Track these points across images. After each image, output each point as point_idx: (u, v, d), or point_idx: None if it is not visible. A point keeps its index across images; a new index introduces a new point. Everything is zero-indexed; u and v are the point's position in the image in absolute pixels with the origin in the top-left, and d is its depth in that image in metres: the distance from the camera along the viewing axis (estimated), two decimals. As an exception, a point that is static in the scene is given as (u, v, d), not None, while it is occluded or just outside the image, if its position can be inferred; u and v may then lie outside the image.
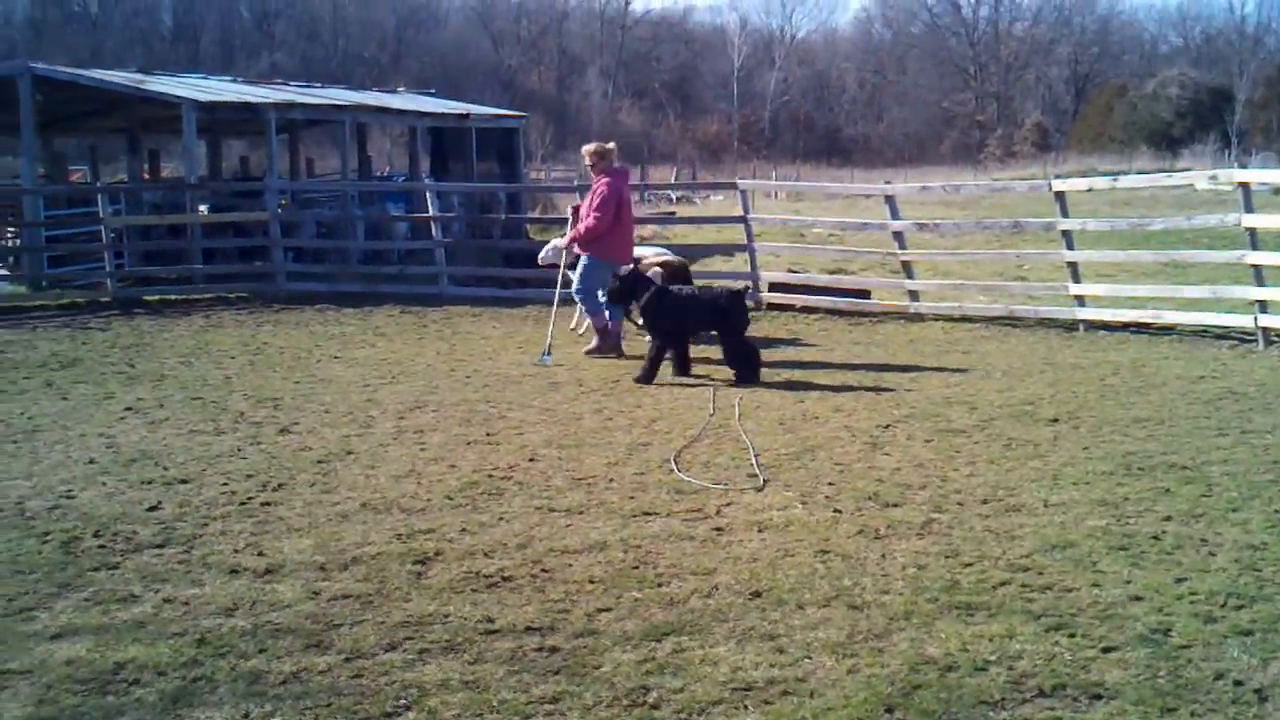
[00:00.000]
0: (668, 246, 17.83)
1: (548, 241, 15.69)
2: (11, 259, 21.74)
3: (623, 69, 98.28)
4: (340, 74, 67.85)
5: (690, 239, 25.47)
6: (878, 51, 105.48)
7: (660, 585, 6.00)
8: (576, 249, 13.28)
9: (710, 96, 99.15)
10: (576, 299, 13.38)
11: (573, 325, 14.68)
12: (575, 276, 13.27)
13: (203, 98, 21.49)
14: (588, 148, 13.27)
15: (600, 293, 12.76)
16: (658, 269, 13.61)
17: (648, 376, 11.44)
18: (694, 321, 11.83)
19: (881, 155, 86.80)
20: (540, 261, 15.06)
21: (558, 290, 14.00)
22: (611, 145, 13.34)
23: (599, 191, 12.83)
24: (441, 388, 11.43)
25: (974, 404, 10.27)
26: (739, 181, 19.81)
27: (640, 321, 12.21)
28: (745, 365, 11.51)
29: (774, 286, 16.98)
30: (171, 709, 4.73)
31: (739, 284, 12.59)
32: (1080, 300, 14.64)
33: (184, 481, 8.06)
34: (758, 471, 8.13)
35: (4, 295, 18.51)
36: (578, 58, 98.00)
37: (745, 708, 4.71)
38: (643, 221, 29.74)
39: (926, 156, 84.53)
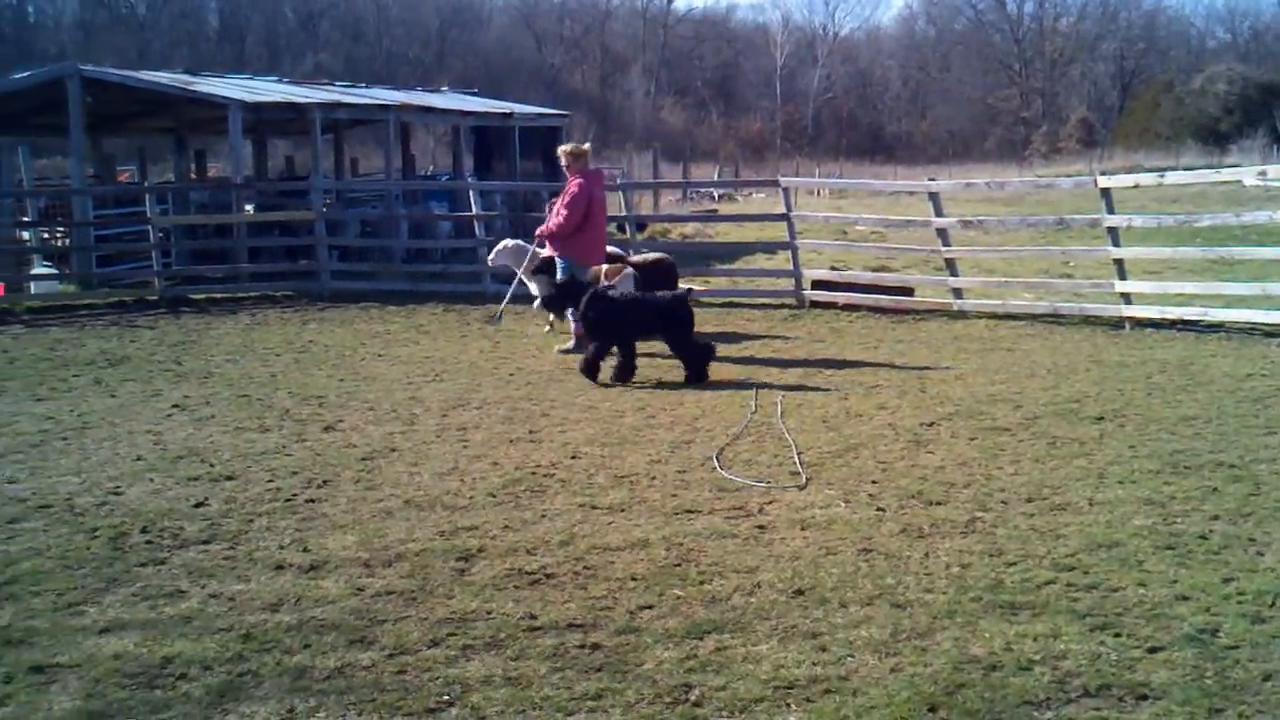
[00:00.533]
0: (692, 244, 17.81)
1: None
2: (61, 258, 21.97)
3: (665, 67, 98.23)
4: (384, 74, 68.19)
5: (732, 236, 25.47)
6: (921, 48, 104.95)
7: (702, 583, 6.01)
8: (547, 247, 13.33)
9: (753, 94, 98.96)
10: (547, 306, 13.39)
11: (547, 328, 14.79)
12: (541, 283, 13.55)
13: (248, 98, 21.64)
14: (563, 148, 13.27)
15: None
16: (630, 271, 13.88)
17: (590, 374, 11.52)
18: (636, 326, 11.75)
19: (925, 152, 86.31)
20: (490, 263, 15.21)
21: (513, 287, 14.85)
22: (586, 147, 13.43)
23: (570, 191, 12.87)
24: (484, 385, 11.47)
25: (1018, 402, 10.21)
26: (781, 179, 19.76)
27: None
28: (695, 365, 11.57)
29: (817, 284, 16.93)
30: (218, 703, 4.78)
31: (684, 288, 12.63)
32: (1126, 298, 14.52)
33: (230, 478, 8.13)
34: (800, 469, 8.12)
35: (54, 294, 18.71)
36: (620, 56, 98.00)
37: (788, 706, 4.70)
38: (685, 219, 29.80)
39: (970, 153, 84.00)
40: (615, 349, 11.69)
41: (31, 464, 8.58)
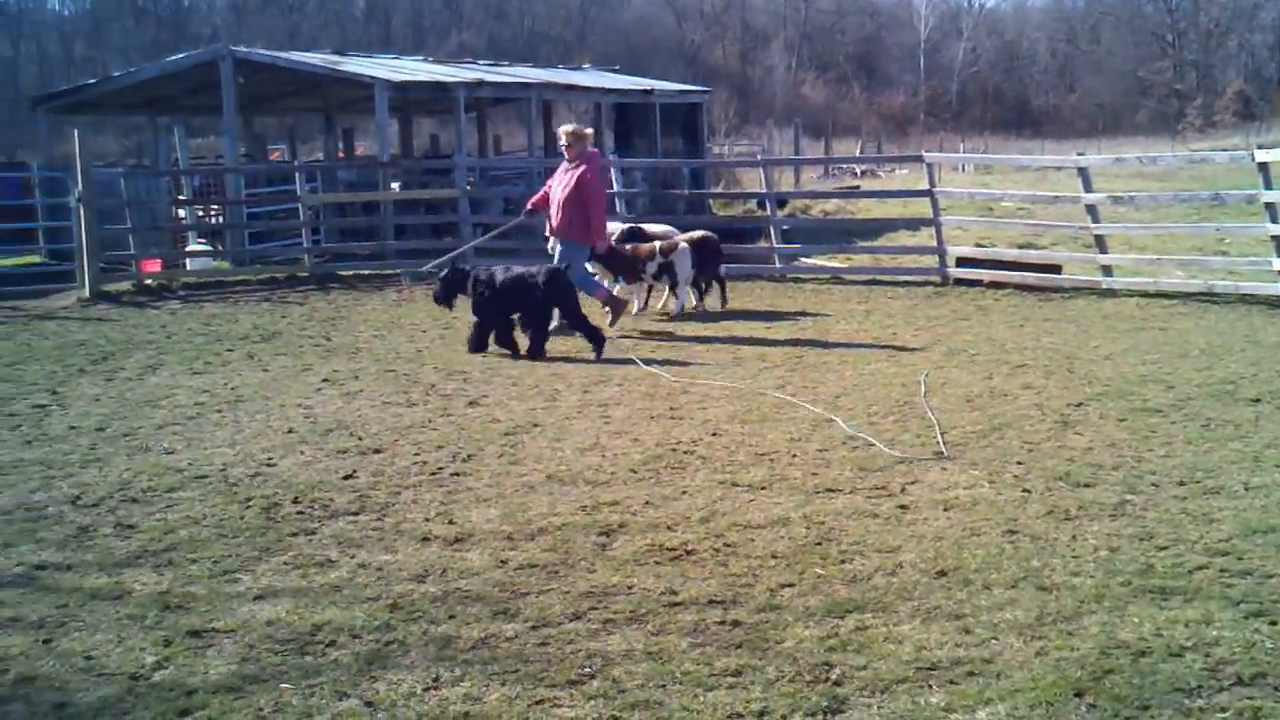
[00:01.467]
0: (789, 217, 17.66)
1: (733, 216, 15.84)
2: (216, 235, 22.61)
3: (806, 42, 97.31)
4: (526, 52, 68.70)
5: (874, 213, 25.17)
6: (1070, 20, 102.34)
7: (843, 562, 5.98)
8: (561, 235, 12.98)
9: (896, 68, 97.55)
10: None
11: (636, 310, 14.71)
12: (599, 269, 13.76)
13: (395, 77, 22.01)
14: (566, 128, 13.23)
15: (589, 269, 13.37)
16: (685, 245, 14.12)
17: (475, 347, 12.01)
18: (513, 302, 12.02)
19: (1073, 126, 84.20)
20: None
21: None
22: (589, 130, 13.42)
23: (586, 182, 12.74)
24: (626, 362, 11.52)
25: (1170, 382, 9.94)
26: (925, 154, 19.47)
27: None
28: (588, 337, 11.93)
29: (961, 261, 16.68)
30: (366, 670, 4.90)
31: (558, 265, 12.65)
32: (1286, 276, 14.02)
33: (378, 451, 8.31)
34: (942, 449, 8.01)
35: (209, 270, 19.27)
36: (761, 32, 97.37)
37: (930, 687, 4.66)
38: (826, 196, 29.54)
39: (1121, 127, 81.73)
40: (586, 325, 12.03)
41: (188, 435, 8.87)
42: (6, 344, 13.16)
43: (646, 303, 14.73)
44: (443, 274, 12.58)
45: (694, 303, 14.72)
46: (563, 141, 13.13)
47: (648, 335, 13.13)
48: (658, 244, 14.21)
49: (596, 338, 11.90)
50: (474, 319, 12.18)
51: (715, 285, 14.91)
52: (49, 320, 14.93)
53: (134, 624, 5.39)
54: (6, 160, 34.25)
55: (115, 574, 6.02)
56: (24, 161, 27.86)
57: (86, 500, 7.28)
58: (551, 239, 13.18)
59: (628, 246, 14.17)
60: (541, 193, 13.35)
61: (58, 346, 12.99)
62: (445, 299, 12.56)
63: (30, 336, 13.69)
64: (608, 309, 13.35)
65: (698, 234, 14.79)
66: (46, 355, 12.42)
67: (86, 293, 16.47)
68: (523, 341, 11.96)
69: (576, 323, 12.00)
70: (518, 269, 12.21)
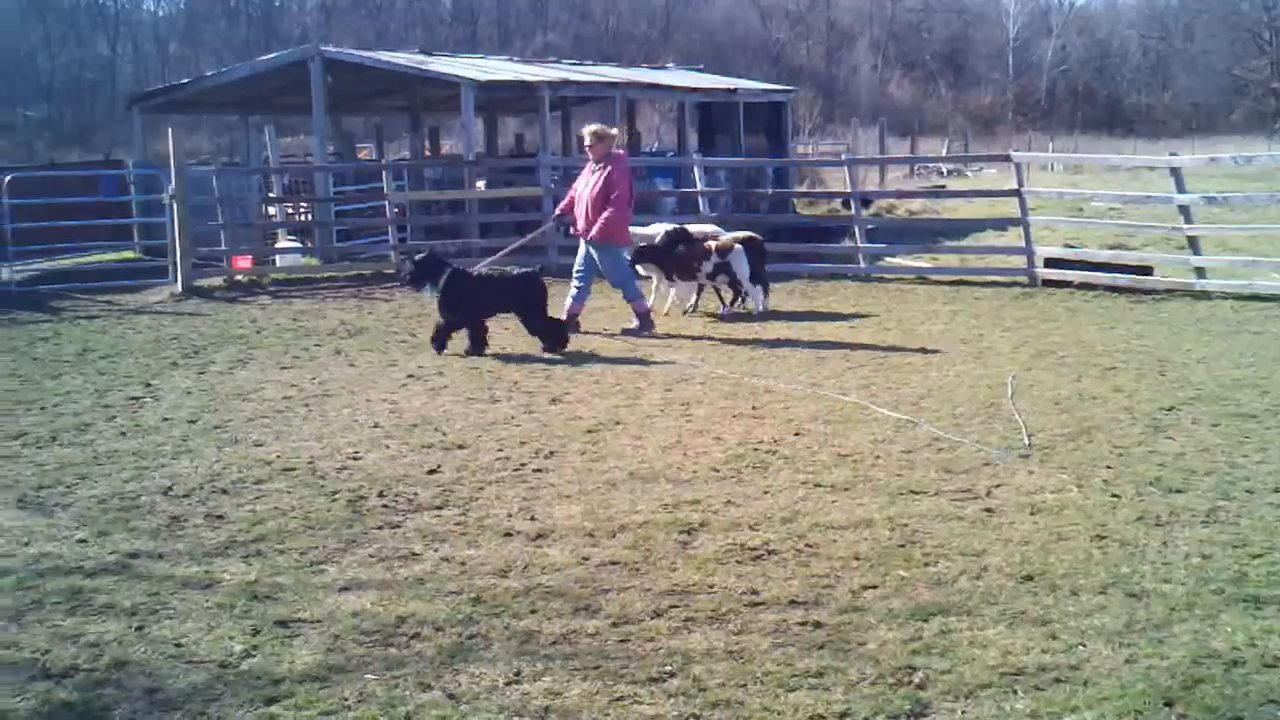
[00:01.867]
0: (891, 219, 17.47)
1: (817, 215, 15.74)
2: (304, 232, 22.89)
3: (893, 40, 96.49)
4: (611, 52, 68.80)
5: (960, 213, 24.92)
6: (1163, 17, 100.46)
7: (927, 565, 5.92)
8: (597, 237, 13.04)
9: (983, 67, 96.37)
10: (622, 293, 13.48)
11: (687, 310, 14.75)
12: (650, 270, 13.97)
13: (481, 77, 22.14)
14: (589, 129, 13.12)
15: (640, 271, 13.79)
16: (739, 247, 14.07)
17: (437, 345, 12.09)
18: (487, 303, 12.22)
19: (1166, 126, 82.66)
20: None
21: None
22: (615, 131, 13.36)
23: (612, 180, 12.78)
24: (707, 360, 11.51)
25: (1266, 388, 9.72)
26: (1012, 153, 19.25)
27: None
28: (549, 339, 12.16)
29: (1049, 262, 16.45)
30: (449, 663, 4.93)
31: (533, 266, 13.09)
32: (1387, 279, 13.67)
33: (461, 447, 8.37)
34: (1029, 451, 7.91)
35: (298, 266, 19.51)
36: (847, 31, 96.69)
37: (1015, 693, 4.60)
38: (911, 195, 29.28)
39: (1216, 127, 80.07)
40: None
41: (277, 429, 9.00)
42: (103, 338, 13.44)
43: (696, 304, 14.70)
44: (419, 257, 12.50)
45: (742, 302, 14.66)
46: (586, 142, 13.11)
47: (727, 339, 13.09)
48: (713, 243, 14.13)
49: (555, 335, 12.15)
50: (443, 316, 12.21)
51: (759, 287, 14.66)
52: (143, 315, 15.22)
53: (223, 613, 5.47)
54: (104, 158, 35.00)
55: (205, 563, 6.12)
56: (120, 160, 28.42)
57: (178, 491, 7.41)
58: (581, 242, 13.24)
59: (680, 247, 14.12)
60: (569, 197, 13.43)
61: (152, 340, 13.24)
62: (414, 282, 12.37)
63: (125, 330, 13.97)
64: (637, 321, 13.24)
65: (743, 234, 14.72)
66: (141, 349, 12.67)
67: (180, 288, 16.76)
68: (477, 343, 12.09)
69: (538, 325, 12.20)
70: (493, 269, 12.69)
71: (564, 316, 12.86)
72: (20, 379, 11.07)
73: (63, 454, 8.32)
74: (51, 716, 4.55)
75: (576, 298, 13.19)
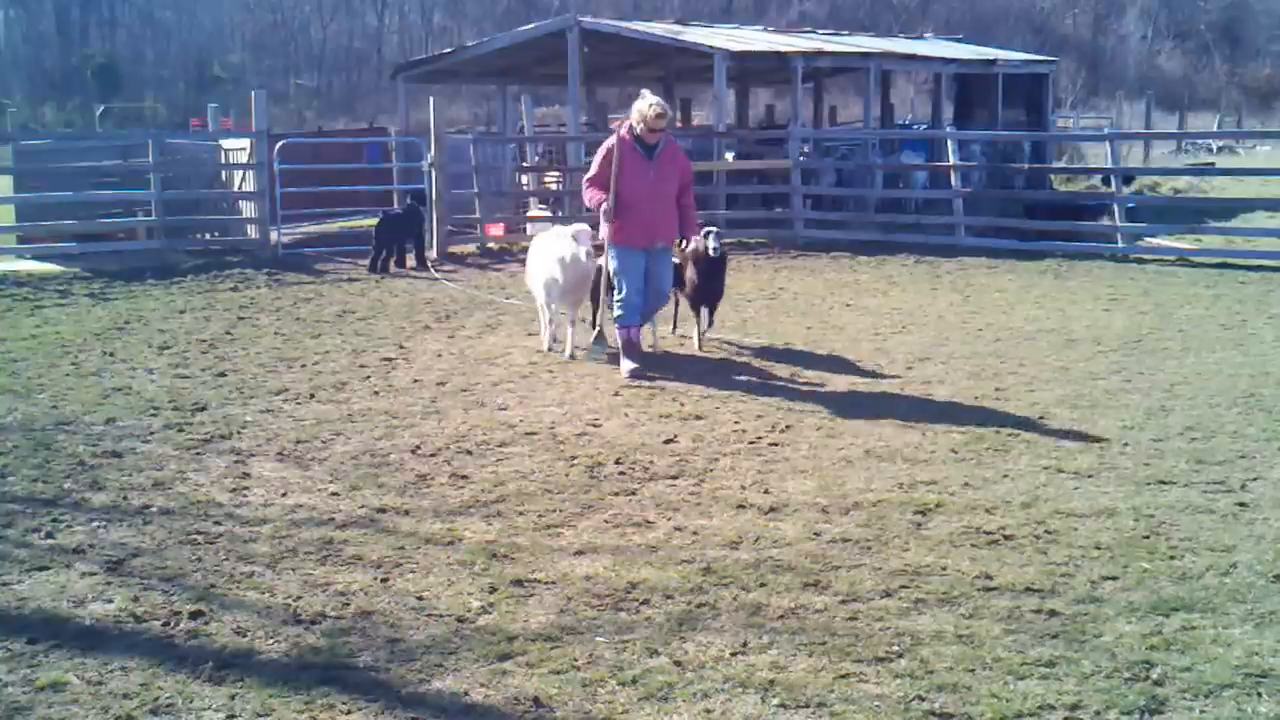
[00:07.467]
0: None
1: (1074, 191, 15.05)
2: (555, 201, 23.37)
3: (1165, 9, 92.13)
4: (867, 21, 67.78)
5: (1229, 192, 23.72)
6: None
7: (1172, 558, 5.71)
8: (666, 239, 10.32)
9: (1263, 37, 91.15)
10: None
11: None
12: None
13: (734, 47, 22.14)
14: (661, 103, 9.94)
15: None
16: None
17: (372, 268, 16.28)
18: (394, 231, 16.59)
19: None
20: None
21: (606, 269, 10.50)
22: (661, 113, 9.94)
23: (689, 168, 10.33)
24: (951, 340, 11.31)
25: None
26: (1290, 130, 18.18)
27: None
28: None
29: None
30: (677, 630, 5.01)
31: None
32: None
33: (698, 418, 8.45)
34: (1292, 446, 7.52)
35: (547, 235, 19.88)
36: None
37: (1259, 695, 4.41)
38: (1177, 173, 28.01)
39: None
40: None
41: (521, 394, 9.26)
42: (361, 300, 14.04)
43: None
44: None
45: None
46: (658, 123, 9.88)
47: (968, 320, 12.82)
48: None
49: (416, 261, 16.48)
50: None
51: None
52: (399, 279, 15.82)
53: (463, 569, 5.69)
54: (368, 125, 36.41)
55: (448, 521, 6.37)
56: (383, 127, 29.52)
57: (425, 450, 7.71)
58: (652, 246, 10.19)
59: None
60: (597, 190, 10.05)
61: (406, 304, 13.76)
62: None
63: (382, 294, 14.56)
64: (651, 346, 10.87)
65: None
66: (396, 312, 13.19)
67: (435, 253, 17.35)
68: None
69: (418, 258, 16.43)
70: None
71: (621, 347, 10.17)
72: (284, 338, 11.67)
73: (320, 410, 8.75)
74: (300, 660, 4.82)
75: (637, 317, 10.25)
